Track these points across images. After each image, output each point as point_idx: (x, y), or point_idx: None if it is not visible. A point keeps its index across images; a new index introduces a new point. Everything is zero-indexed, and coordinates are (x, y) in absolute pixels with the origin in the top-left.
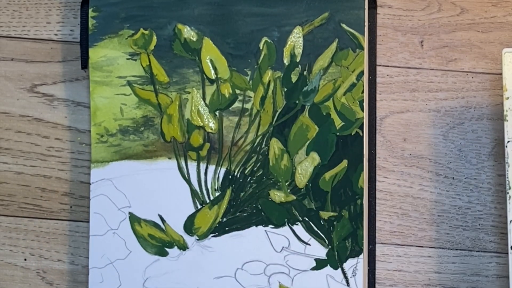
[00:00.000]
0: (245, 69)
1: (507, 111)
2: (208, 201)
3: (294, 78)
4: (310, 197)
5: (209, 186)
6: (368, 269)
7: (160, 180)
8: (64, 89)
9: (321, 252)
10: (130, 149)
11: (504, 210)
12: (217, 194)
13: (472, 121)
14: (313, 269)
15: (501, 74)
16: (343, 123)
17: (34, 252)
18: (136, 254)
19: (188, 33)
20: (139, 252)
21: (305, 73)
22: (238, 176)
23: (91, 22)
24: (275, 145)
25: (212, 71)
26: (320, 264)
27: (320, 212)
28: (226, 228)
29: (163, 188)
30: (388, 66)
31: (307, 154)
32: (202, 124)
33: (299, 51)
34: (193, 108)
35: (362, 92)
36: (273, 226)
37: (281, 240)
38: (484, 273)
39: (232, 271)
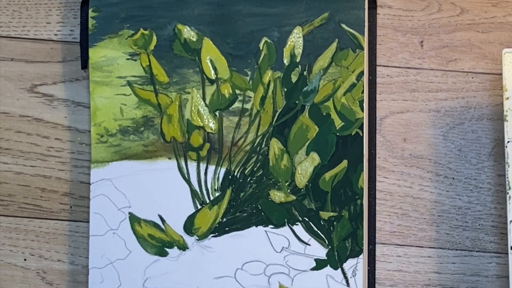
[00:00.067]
0: (245, 69)
1: (507, 111)
2: (208, 201)
3: (294, 78)
4: (310, 197)
5: (209, 186)
6: (368, 269)
7: (160, 180)
8: (64, 89)
9: (321, 252)
10: (130, 149)
11: (504, 210)
12: (217, 194)
13: (472, 121)
14: (313, 269)
15: (501, 74)
16: (343, 123)
17: (34, 252)
18: (136, 254)
19: (188, 33)
20: (139, 252)
21: (305, 73)
22: (238, 176)
23: (91, 22)
24: (275, 145)
25: (212, 71)
26: (320, 264)
27: (320, 212)
28: (226, 228)
29: (163, 188)
30: (388, 66)
31: (307, 154)
32: (202, 124)
33: (299, 51)
34: (193, 108)
35: (362, 92)
36: (273, 226)
37: (281, 240)
38: (484, 273)
39: (232, 271)
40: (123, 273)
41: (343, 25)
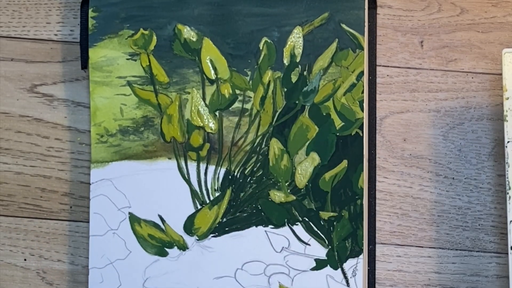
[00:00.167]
0: (245, 69)
1: (507, 111)
2: (208, 201)
3: (294, 78)
4: (310, 197)
5: (209, 186)
6: (368, 269)
7: (160, 180)
8: (64, 89)
9: (321, 252)
10: (130, 149)
11: (504, 210)
12: (217, 194)
13: (472, 121)
14: (313, 269)
15: (501, 74)
16: (343, 123)
17: (34, 252)
18: (136, 254)
19: (188, 33)
20: (139, 252)
21: (305, 73)
22: (238, 176)
23: (91, 22)
24: (275, 145)
25: (212, 71)
26: (320, 264)
27: (320, 212)
28: (226, 228)
29: (163, 188)
30: (388, 66)
31: (307, 154)
32: (202, 124)
33: (299, 51)
34: (193, 108)
35: (362, 92)
36: (273, 226)
37: (281, 240)
38: (484, 273)
39: (232, 271)
40: (123, 273)
41: (343, 25)
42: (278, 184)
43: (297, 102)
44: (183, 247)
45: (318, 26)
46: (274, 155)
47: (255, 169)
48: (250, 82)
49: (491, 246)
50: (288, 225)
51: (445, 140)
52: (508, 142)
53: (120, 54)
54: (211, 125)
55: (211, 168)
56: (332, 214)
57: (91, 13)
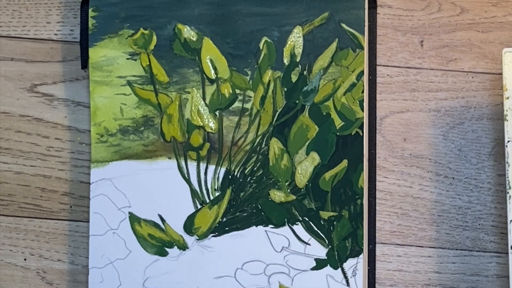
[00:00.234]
0: (245, 69)
1: (507, 111)
2: (208, 201)
3: (294, 78)
4: (310, 197)
5: (209, 186)
6: (368, 269)
7: (160, 180)
8: (64, 89)
9: (321, 252)
10: (130, 149)
11: (504, 210)
12: (217, 194)
13: (472, 121)
14: (313, 269)
15: (501, 74)
16: (343, 123)
17: (34, 252)
18: (136, 254)
19: (188, 33)
20: (139, 252)
21: (305, 73)
22: (238, 176)
23: (91, 22)
24: (275, 145)
25: (212, 71)
26: (320, 264)
27: (320, 212)
28: (226, 228)
29: (163, 188)
30: (388, 66)
31: (307, 154)
32: (202, 124)
33: (299, 51)
34: (193, 108)
35: (362, 92)
36: (273, 226)
37: (281, 240)
38: (484, 273)
39: (232, 271)
40: (123, 273)
41: (343, 25)
42: (278, 184)
43: (297, 101)
44: (183, 246)
45: (318, 25)
46: (274, 154)
47: (255, 168)
48: (250, 81)
49: (491, 246)
50: (288, 225)
51: (445, 140)
52: (508, 141)
53: (120, 53)
54: (211, 124)
55: (211, 167)
56: (332, 213)
57: (91, 13)
